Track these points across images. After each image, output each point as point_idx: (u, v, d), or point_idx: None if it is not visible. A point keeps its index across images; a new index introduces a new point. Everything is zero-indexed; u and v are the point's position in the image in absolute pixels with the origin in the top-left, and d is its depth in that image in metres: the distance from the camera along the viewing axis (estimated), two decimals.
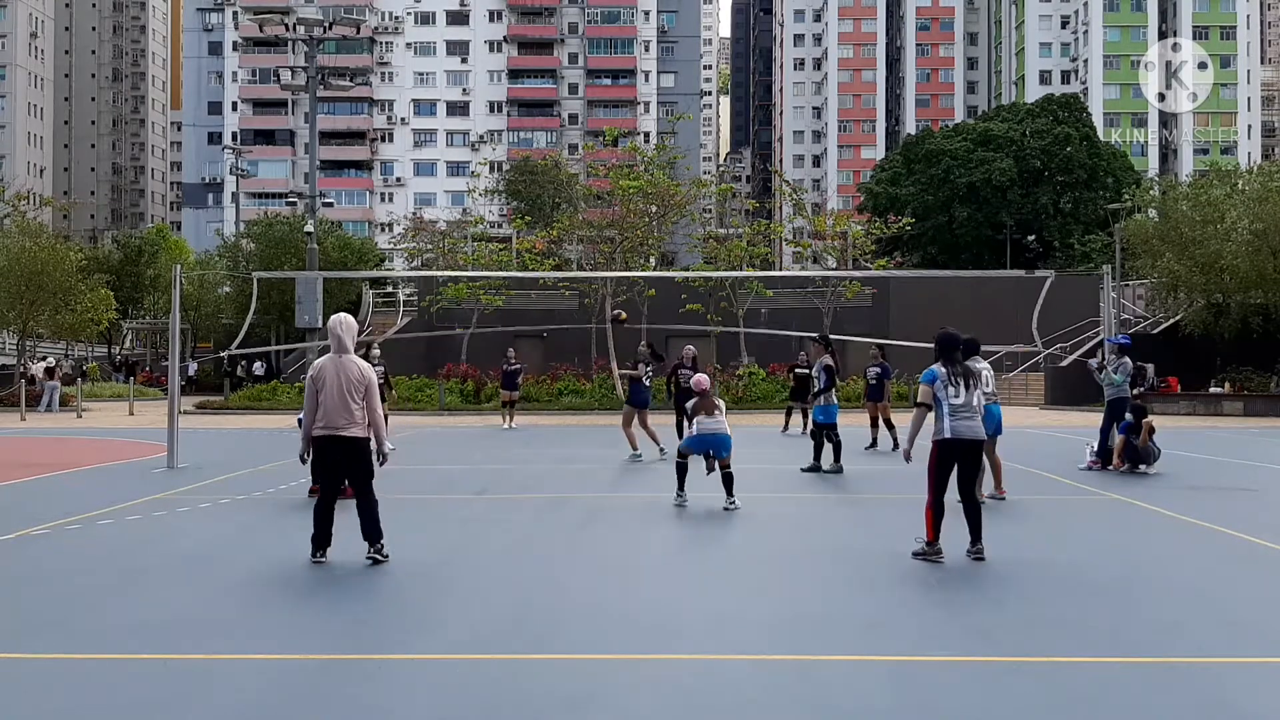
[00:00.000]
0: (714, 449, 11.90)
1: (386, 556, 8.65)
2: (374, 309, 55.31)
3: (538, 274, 38.04)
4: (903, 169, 74.54)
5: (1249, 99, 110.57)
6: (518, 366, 25.85)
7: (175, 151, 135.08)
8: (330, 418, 8.58)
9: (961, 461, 8.68)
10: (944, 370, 8.69)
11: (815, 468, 15.06)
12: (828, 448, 15.30)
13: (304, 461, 8.91)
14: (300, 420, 9.26)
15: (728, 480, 11.74)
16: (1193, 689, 5.42)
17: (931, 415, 8.77)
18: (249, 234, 57.99)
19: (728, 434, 11.87)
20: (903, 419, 24.52)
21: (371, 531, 8.71)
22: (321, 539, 8.75)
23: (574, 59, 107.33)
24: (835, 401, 15.35)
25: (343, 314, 8.95)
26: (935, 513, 8.59)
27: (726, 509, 11.48)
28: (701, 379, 12.44)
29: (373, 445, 8.76)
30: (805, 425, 23.85)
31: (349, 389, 8.58)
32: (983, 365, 11.35)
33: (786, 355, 31.58)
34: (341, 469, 8.73)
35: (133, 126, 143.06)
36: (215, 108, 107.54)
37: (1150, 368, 35.71)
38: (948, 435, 8.60)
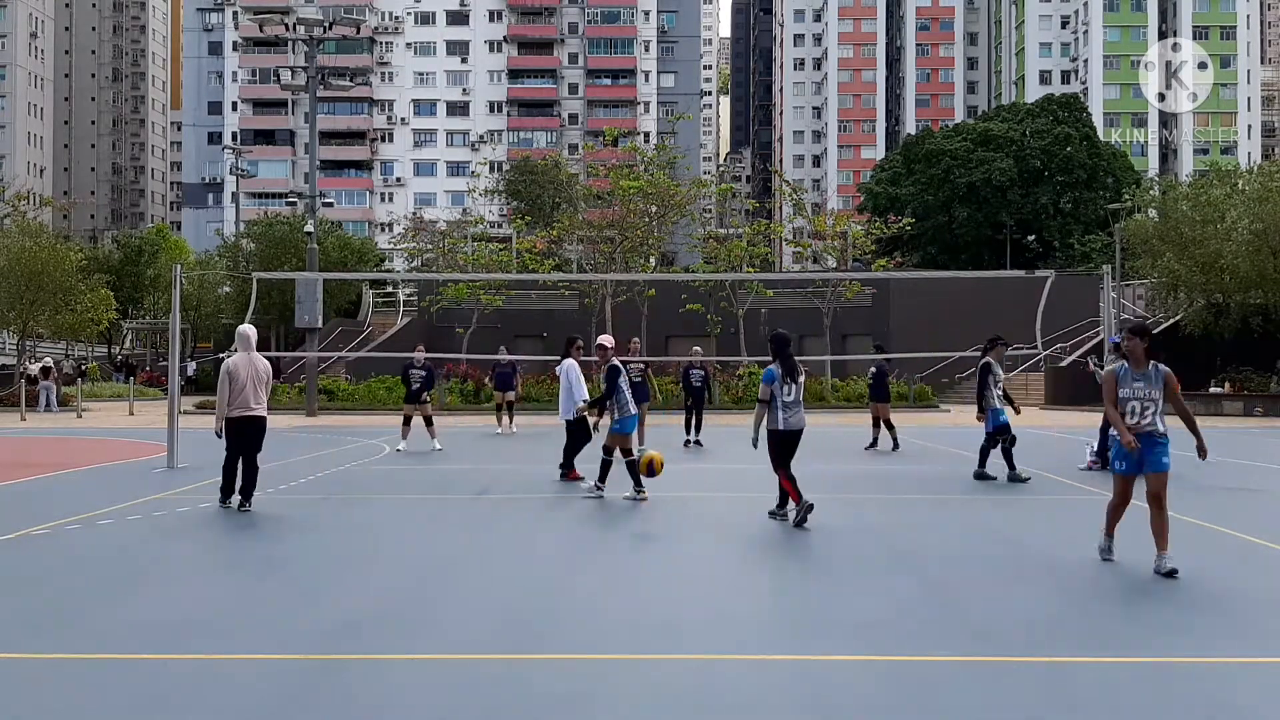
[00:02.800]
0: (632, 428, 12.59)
1: (249, 510, 11.29)
2: (374, 309, 55.34)
3: (538, 274, 38.05)
4: (903, 169, 74.55)
5: (1249, 99, 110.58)
6: (510, 367, 24.51)
7: (175, 151, 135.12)
8: (245, 402, 11.23)
9: (793, 446, 10.46)
10: (780, 370, 10.32)
11: (1016, 477, 13.99)
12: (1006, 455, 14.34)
13: (220, 436, 11.39)
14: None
15: (632, 467, 12.15)
16: (1193, 689, 5.42)
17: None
18: (249, 234, 58.00)
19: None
20: (896, 418, 24.48)
21: (251, 489, 11.42)
22: (229, 489, 11.51)
23: (574, 59, 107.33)
24: (996, 404, 14.27)
25: (247, 325, 11.78)
26: (791, 482, 10.38)
27: (630, 497, 11.97)
28: (605, 339, 12.89)
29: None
30: None
31: (258, 380, 11.28)
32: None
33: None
34: (250, 439, 11.33)
35: (133, 126, 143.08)
36: (215, 108, 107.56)
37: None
38: (781, 428, 10.37)
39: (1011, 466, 14.12)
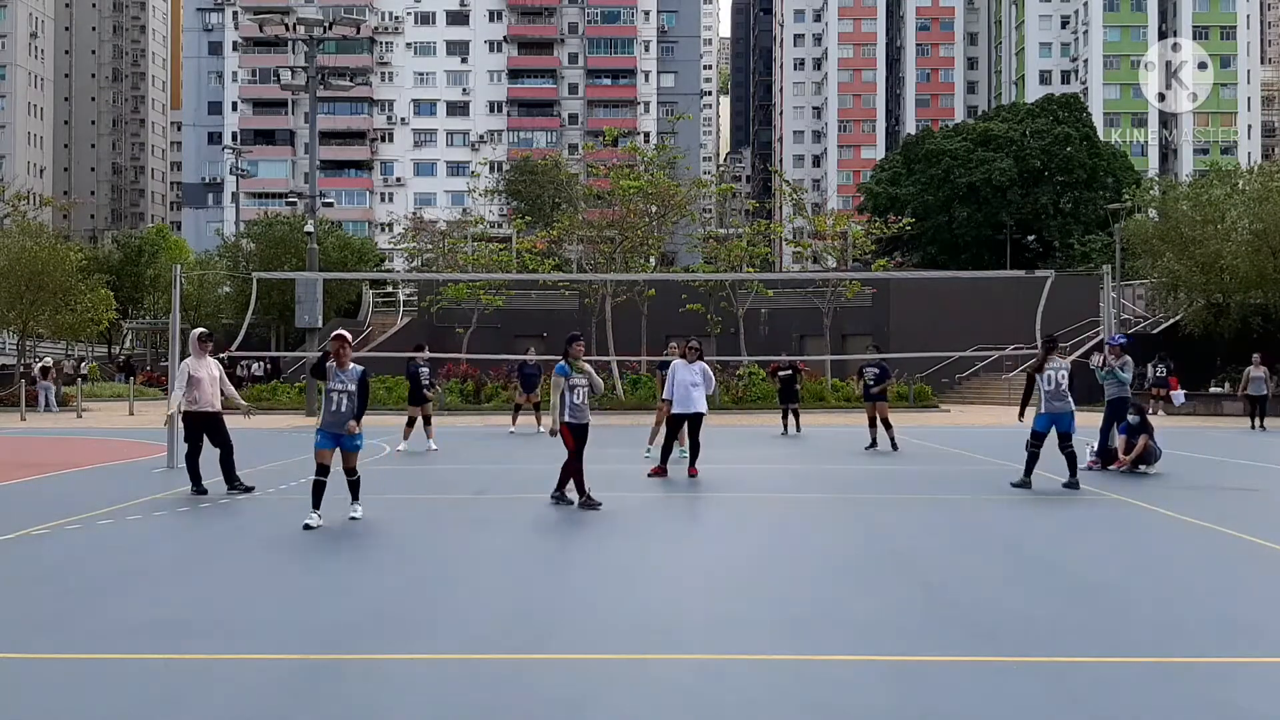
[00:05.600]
0: (343, 445, 10.38)
1: (248, 489, 12.83)
2: (374, 309, 55.33)
3: (538, 274, 37.99)
4: (903, 169, 74.53)
5: (1249, 99, 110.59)
6: (536, 368, 24.38)
7: (175, 151, 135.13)
8: (207, 400, 12.70)
9: (586, 438, 11.64)
10: (568, 367, 11.49)
11: (1025, 483, 13.35)
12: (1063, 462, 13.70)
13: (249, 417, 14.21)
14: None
15: (354, 486, 10.66)
16: (1193, 689, 5.42)
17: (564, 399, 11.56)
18: (249, 234, 57.98)
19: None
20: (896, 418, 24.40)
21: (231, 476, 12.85)
22: (197, 479, 12.69)
23: (574, 59, 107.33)
24: (1060, 409, 13.42)
25: (199, 328, 13.33)
26: (578, 471, 11.56)
27: (352, 518, 10.51)
28: (343, 331, 10.56)
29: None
30: (787, 426, 23.69)
31: (212, 381, 12.80)
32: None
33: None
34: (211, 433, 12.75)
35: (133, 126, 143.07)
36: (215, 108, 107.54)
37: (1165, 366, 35.64)
38: (569, 419, 11.52)
39: (1026, 473, 13.48)
